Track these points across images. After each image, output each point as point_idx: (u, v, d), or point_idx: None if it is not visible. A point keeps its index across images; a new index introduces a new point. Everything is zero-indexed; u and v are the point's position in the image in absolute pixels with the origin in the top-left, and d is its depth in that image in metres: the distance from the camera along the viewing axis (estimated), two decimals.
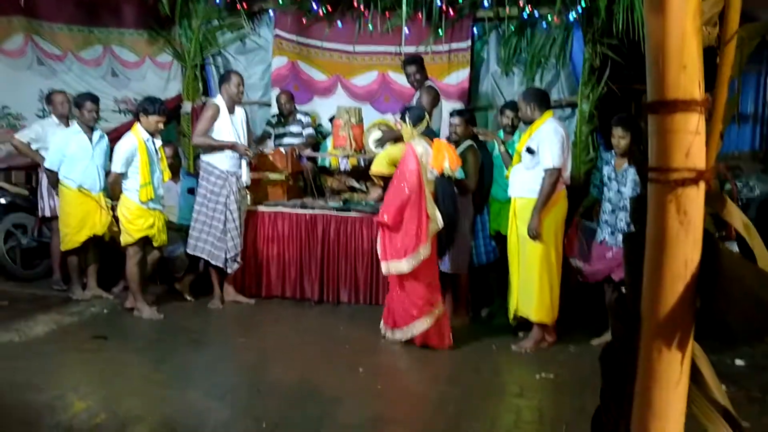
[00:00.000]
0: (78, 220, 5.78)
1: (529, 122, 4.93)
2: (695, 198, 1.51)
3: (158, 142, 5.61)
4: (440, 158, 4.85)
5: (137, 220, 5.44)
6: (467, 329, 5.36)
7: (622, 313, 1.73)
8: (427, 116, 5.11)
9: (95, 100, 5.89)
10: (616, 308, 1.75)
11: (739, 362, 4.59)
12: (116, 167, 5.40)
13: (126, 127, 6.08)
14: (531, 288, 4.83)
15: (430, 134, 5.11)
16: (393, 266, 4.77)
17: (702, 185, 1.52)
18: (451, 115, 5.53)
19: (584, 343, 4.97)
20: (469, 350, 4.95)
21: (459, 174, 5.25)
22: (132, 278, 5.49)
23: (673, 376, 1.54)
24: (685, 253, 1.52)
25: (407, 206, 4.75)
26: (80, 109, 5.79)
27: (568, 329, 5.09)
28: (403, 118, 5.07)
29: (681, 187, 1.50)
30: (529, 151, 4.81)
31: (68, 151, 5.75)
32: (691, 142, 1.50)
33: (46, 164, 5.84)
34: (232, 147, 5.68)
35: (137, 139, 5.41)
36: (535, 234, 4.74)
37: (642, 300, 1.61)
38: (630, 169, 4.87)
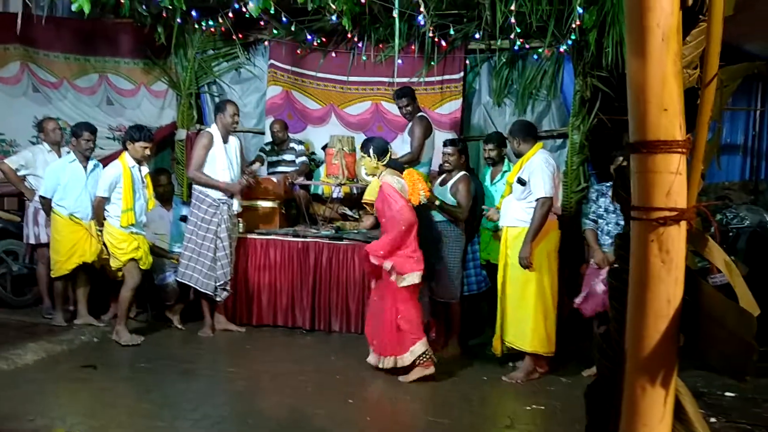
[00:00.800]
0: (68, 247, 5.78)
1: (519, 155, 4.99)
2: (677, 237, 1.54)
3: (144, 170, 5.70)
4: (416, 189, 4.97)
5: (121, 243, 5.52)
6: (458, 359, 5.35)
7: (607, 349, 1.75)
8: (390, 147, 5.18)
9: (93, 130, 5.93)
10: (601, 344, 1.77)
11: (728, 394, 4.59)
12: (100, 192, 5.52)
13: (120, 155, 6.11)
14: (525, 318, 4.84)
15: (396, 166, 5.15)
16: (409, 278, 4.78)
17: (684, 224, 1.55)
18: (444, 144, 5.57)
19: (576, 375, 4.98)
20: (459, 380, 4.94)
21: (451, 200, 5.30)
22: (123, 302, 5.51)
23: (656, 413, 1.56)
24: (667, 291, 1.54)
25: (406, 236, 4.80)
26: (77, 138, 5.83)
27: (560, 360, 5.09)
28: (366, 151, 5.06)
29: (663, 226, 1.53)
30: (520, 182, 4.86)
31: (63, 179, 5.78)
32: (672, 182, 1.53)
33: (41, 191, 5.86)
34: (225, 189, 5.73)
35: (122, 166, 5.52)
36: (526, 263, 4.76)
37: (626, 337, 1.63)
38: None
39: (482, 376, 5.02)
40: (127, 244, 5.52)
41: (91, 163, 5.95)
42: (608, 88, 6.42)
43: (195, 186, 5.87)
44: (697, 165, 1.58)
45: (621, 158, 4.98)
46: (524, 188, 4.84)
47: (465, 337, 5.71)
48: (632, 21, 1.54)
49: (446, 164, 5.49)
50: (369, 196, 5.76)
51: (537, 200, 4.78)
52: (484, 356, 5.40)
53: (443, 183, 5.53)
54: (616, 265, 1.77)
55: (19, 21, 6.02)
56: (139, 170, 5.62)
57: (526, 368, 4.93)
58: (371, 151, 5.01)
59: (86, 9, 5.37)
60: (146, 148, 5.57)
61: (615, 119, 6.47)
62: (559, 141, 7.04)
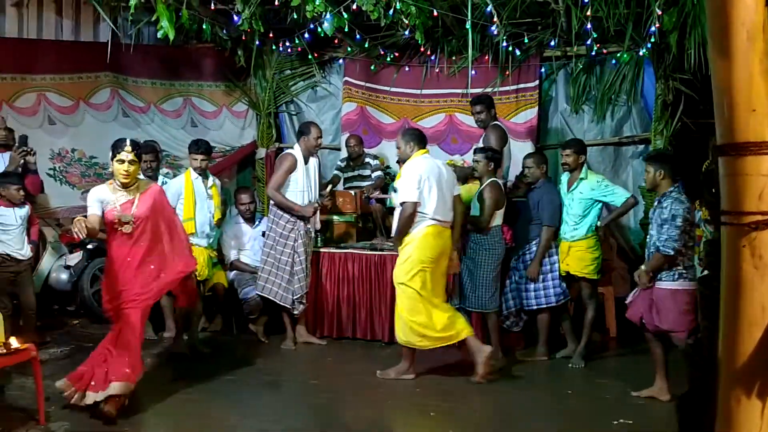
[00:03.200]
0: None
1: (404, 161, 5.12)
2: None
3: (210, 182, 5.89)
4: None
5: None
6: (535, 368, 5.25)
7: (698, 359, 1.69)
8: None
9: (152, 151, 6.13)
10: (692, 355, 1.71)
11: None
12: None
13: None
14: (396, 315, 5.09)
15: None
16: None
17: None
18: (474, 152, 5.57)
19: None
20: (536, 390, 4.84)
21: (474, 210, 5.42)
22: (178, 311, 5.68)
23: (753, 425, 1.49)
24: (761, 298, 1.48)
25: None
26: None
27: (640, 375, 4.90)
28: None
29: (755, 230, 1.47)
30: (395, 190, 5.07)
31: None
32: (764, 185, 1.47)
33: None
34: (300, 214, 5.80)
35: (185, 177, 5.82)
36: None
37: (719, 347, 1.57)
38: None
39: (567, 389, 4.90)
40: None
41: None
42: (692, 91, 6.21)
43: (272, 203, 6.02)
44: None
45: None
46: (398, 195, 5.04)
47: (551, 350, 5.61)
48: (715, 21, 1.50)
49: (475, 172, 5.54)
50: None
51: (400, 204, 4.96)
52: (562, 369, 5.27)
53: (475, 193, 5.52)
54: (706, 272, 1.71)
55: (108, 50, 6.40)
56: (203, 182, 5.83)
57: (397, 368, 5.06)
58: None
59: (171, 35, 5.64)
60: (199, 159, 5.78)
61: (700, 123, 6.24)
62: (641, 147, 6.85)
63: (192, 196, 5.77)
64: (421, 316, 4.92)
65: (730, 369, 1.52)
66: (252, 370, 5.33)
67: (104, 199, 4.11)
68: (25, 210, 5.45)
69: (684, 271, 4.34)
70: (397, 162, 6.91)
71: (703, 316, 1.67)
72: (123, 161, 4.08)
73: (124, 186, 4.16)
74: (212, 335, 6.37)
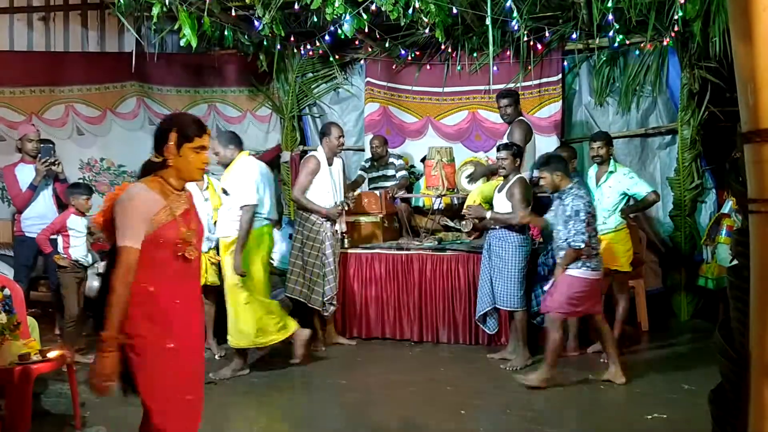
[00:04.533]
0: None
1: (224, 164, 5.14)
2: None
3: (205, 184, 5.76)
4: None
5: None
6: (567, 363, 5.20)
7: (729, 351, 1.66)
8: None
9: None
10: (723, 346, 1.68)
11: None
12: None
13: None
14: (229, 315, 5.14)
15: None
16: None
17: None
18: (498, 149, 5.44)
19: (701, 382, 4.70)
20: (568, 385, 4.81)
21: (507, 206, 5.29)
22: None
23: None
24: None
25: None
26: None
27: (683, 365, 4.84)
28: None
29: None
30: (224, 192, 5.04)
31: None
32: None
33: None
34: (326, 215, 5.83)
35: None
36: (240, 272, 4.97)
37: (750, 338, 1.54)
38: None
39: (599, 384, 4.85)
40: None
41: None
42: (718, 79, 6.11)
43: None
44: None
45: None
46: (229, 197, 5.01)
47: (581, 344, 5.56)
48: (737, 6, 1.48)
49: (501, 169, 5.37)
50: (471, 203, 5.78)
51: (241, 208, 4.93)
52: (594, 363, 5.23)
53: (501, 189, 5.39)
54: (735, 262, 1.69)
55: (133, 60, 6.50)
56: (197, 185, 5.64)
57: (232, 366, 5.13)
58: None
59: (193, 43, 5.71)
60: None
61: (728, 111, 6.13)
62: (668, 137, 6.76)
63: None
64: (258, 314, 5.06)
65: (761, 360, 1.50)
66: (282, 372, 5.36)
67: (154, 213, 2.54)
68: (88, 219, 5.57)
69: (588, 261, 4.61)
70: (421, 161, 6.92)
71: (733, 306, 1.64)
72: (204, 148, 2.69)
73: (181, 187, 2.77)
74: None
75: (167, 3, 5.29)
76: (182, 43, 5.84)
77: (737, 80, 1.52)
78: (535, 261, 5.58)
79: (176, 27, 5.84)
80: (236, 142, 5.21)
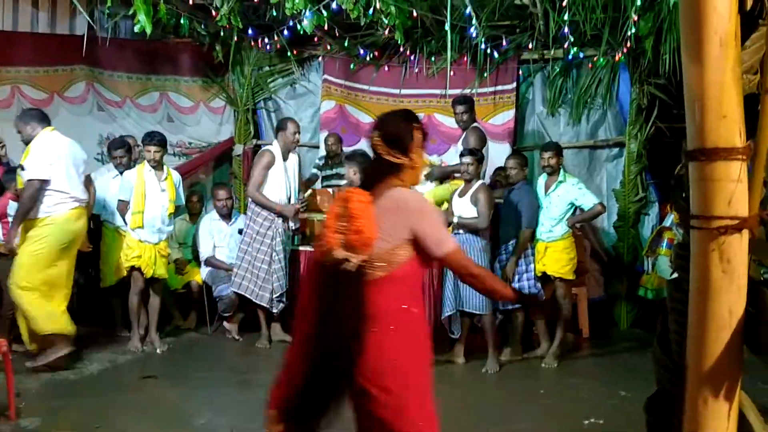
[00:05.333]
0: (114, 259, 5.92)
1: (27, 143, 4.95)
2: (738, 246, 1.51)
3: (164, 175, 5.70)
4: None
5: (126, 249, 5.63)
6: (508, 368, 5.29)
7: (667, 361, 1.71)
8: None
9: (124, 146, 6.13)
10: (661, 356, 1.73)
11: None
12: (120, 195, 5.72)
13: (180, 170, 6.33)
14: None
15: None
16: None
17: (745, 233, 1.52)
18: (462, 154, 5.49)
19: (636, 390, 4.84)
20: (509, 390, 4.88)
21: (472, 211, 5.32)
22: (129, 309, 5.69)
23: (720, 427, 1.52)
24: (729, 301, 1.51)
25: None
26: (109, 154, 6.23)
27: (619, 373, 4.97)
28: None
29: (724, 235, 1.50)
30: (21, 168, 4.90)
31: (108, 195, 5.99)
32: (733, 190, 1.50)
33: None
34: (280, 213, 5.80)
35: (137, 170, 5.67)
36: (10, 247, 4.80)
37: (687, 349, 1.59)
38: None
39: (539, 389, 4.94)
40: (129, 251, 5.60)
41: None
42: (666, 96, 6.29)
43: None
44: (758, 172, 1.55)
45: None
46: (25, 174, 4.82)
47: (524, 350, 5.65)
48: (688, 28, 1.52)
49: (465, 174, 5.40)
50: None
51: (27, 182, 4.78)
52: (535, 369, 5.32)
53: (462, 194, 5.45)
54: (675, 275, 1.74)
55: (84, 43, 6.31)
56: (156, 175, 5.65)
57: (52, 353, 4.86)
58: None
59: (148, 30, 5.58)
60: (152, 151, 5.59)
61: (674, 127, 6.33)
62: (615, 150, 6.93)
63: (143, 189, 5.57)
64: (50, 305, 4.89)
65: (697, 371, 1.55)
66: (225, 368, 5.30)
67: None
68: None
69: None
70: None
71: (672, 318, 1.70)
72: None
73: None
74: (186, 333, 6.33)
75: None
76: (136, 29, 5.70)
77: (685, 99, 1.57)
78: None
79: (131, 12, 5.70)
80: (38, 119, 5.02)
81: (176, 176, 5.91)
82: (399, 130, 2.30)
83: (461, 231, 5.35)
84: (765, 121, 1.53)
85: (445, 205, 5.70)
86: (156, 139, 5.66)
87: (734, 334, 1.50)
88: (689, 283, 1.59)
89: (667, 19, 5.67)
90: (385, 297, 2.15)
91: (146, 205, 5.59)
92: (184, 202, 6.12)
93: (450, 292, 5.37)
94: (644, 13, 5.80)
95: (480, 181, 5.41)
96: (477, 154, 5.46)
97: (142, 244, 5.60)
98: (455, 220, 5.33)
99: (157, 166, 5.68)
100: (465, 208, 5.37)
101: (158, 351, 5.66)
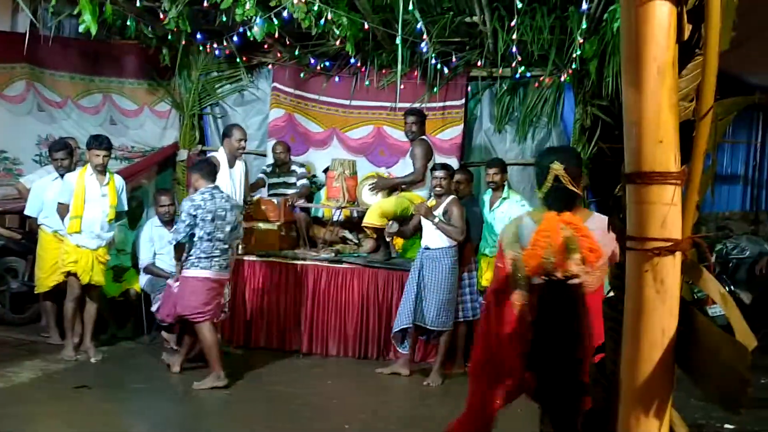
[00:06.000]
0: (50, 264, 5.74)
1: None
2: (671, 267, 1.55)
3: (106, 179, 5.56)
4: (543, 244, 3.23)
5: (63, 255, 5.49)
6: (452, 380, 5.32)
7: (601, 379, 1.75)
8: (557, 168, 4.57)
9: (66, 148, 5.93)
10: (595, 374, 1.77)
11: (728, 426, 4.56)
12: (60, 198, 5.53)
13: (122, 174, 6.16)
14: None
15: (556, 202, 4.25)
16: None
17: (678, 255, 1.56)
18: (435, 168, 5.54)
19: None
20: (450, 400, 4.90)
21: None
22: (65, 315, 5.54)
23: None
24: (662, 321, 1.55)
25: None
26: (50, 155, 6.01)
27: None
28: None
29: (657, 256, 1.54)
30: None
31: (47, 197, 5.80)
32: (667, 213, 1.54)
33: (26, 211, 5.99)
34: None
35: (79, 173, 5.51)
36: None
37: (621, 367, 1.63)
38: None
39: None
40: (66, 256, 5.46)
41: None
42: (608, 117, 6.47)
43: None
44: (692, 196, 1.60)
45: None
46: None
47: (465, 362, 5.68)
48: (629, 54, 1.57)
49: (438, 188, 5.43)
50: (369, 219, 5.79)
51: None
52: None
53: (433, 208, 5.49)
54: (612, 295, 1.78)
55: (26, 41, 6.10)
56: (98, 179, 5.51)
57: None
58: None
59: (93, 30, 5.44)
60: (99, 156, 5.46)
61: (615, 148, 6.51)
62: None
63: (82, 193, 5.43)
64: None
65: (630, 389, 1.58)
66: (162, 380, 5.17)
67: None
68: None
69: (196, 261, 5.01)
70: (323, 172, 6.91)
71: (607, 336, 1.73)
72: None
73: None
74: (122, 342, 6.16)
75: None
76: (81, 29, 5.55)
77: (624, 122, 1.61)
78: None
79: (76, 12, 5.54)
80: None
81: (119, 181, 5.76)
82: (577, 167, 2.85)
83: (431, 246, 5.36)
84: (699, 148, 1.58)
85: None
86: (104, 143, 5.52)
87: (666, 352, 1.54)
88: (624, 302, 1.63)
89: (611, 43, 5.85)
90: (590, 312, 2.44)
91: (85, 210, 5.44)
92: (126, 208, 5.94)
93: (410, 305, 5.34)
94: (589, 36, 5.97)
95: (451, 196, 5.44)
96: (450, 169, 5.52)
97: (79, 250, 5.44)
98: (435, 220, 5.28)
99: (102, 170, 5.54)
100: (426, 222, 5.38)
101: (93, 360, 5.48)
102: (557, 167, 2.75)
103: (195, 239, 5.01)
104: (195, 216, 4.99)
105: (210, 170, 5.25)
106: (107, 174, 5.61)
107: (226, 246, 5.19)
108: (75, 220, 5.41)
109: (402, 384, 5.39)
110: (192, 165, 5.43)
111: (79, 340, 5.59)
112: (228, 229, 5.16)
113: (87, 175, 5.49)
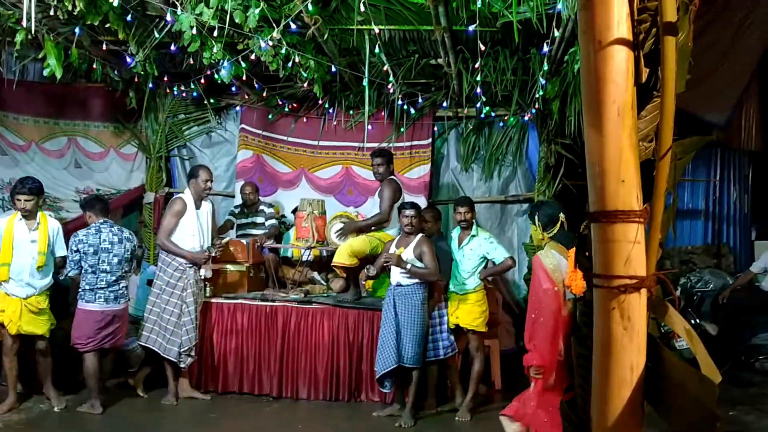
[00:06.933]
0: None
1: None
2: (638, 304, 1.58)
3: (35, 224, 5.30)
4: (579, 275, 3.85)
5: None
6: (425, 422, 5.27)
7: (572, 415, 1.75)
8: (562, 217, 4.69)
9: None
10: (566, 411, 1.77)
11: None
12: None
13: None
14: None
15: (565, 240, 4.50)
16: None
17: (644, 292, 1.59)
18: (405, 207, 5.55)
19: None
20: None
21: (416, 264, 5.31)
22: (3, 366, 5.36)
23: None
24: (630, 358, 1.57)
25: (538, 326, 4.40)
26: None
27: None
28: (532, 218, 4.90)
29: (623, 293, 1.57)
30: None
31: None
32: (631, 251, 1.58)
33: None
34: (191, 260, 5.66)
35: (7, 219, 5.29)
36: None
37: (591, 403, 1.64)
38: None
39: None
40: None
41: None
42: (572, 155, 6.61)
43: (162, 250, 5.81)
44: (655, 234, 1.64)
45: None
46: None
47: (438, 402, 5.63)
48: (589, 97, 1.62)
49: (407, 227, 5.44)
50: (339, 258, 5.77)
51: None
52: (449, 422, 5.33)
53: (401, 246, 5.46)
54: (581, 331, 1.80)
55: None
56: (26, 224, 5.28)
57: None
58: (537, 218, 4.79)
59: (58, 74, 5.41)
60: (23, 200, 5.21)
61: (579, 185, 6.64)
62: (525, 205, 7.19)
63: (10, 239, 5.20)
64: None
65: (601, 425, 1.59)
66: (129, 426, 5.02)
67: None
68: None
69: (82, 293, 5.30)
70: (292, 212, 6.91)
71: (577, 373, 1.75)
72: None
73: None
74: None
75: (33, 31, 4.97)
76: (45, 73, 5.52)
77: (587, 162, 1.65)
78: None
79: (41, 56, 5.51)
80: None
81: (53, 226, 5.48)
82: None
83: (403, 283, 5.34)
84: (660, 186, 1.63)
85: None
86: (27, 186, 5.24)
87: (635, 389, 1.55)
88: (592, 339, 1.65)
89: (572, 84, 6.00)
90: None
91: (14, 257, 5.21)
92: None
93: (392, 344, 5.28)
94: (551, 77, 6.12)
95: (420, 235, 5.45)
96: (418, 207, 5.55)
97: (8, 298, 5.20)
98: (408, 266, 5.26)
99: (29, 215, 5.29)
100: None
101: (56, 409, 5.30)
102: (563, 217, 4.22)
103: (82, 272, 5.32)
104: (78, 251, 5.30)
105: (102, 207, 5.55)
106: (37, 218, 5.36)
107: (114, 278, 5.39)
108: (3, 267, 5.18)
109: (372, 426, 5.30)
110: (85, 202, 5.65)
111: (21, 394, 5.40)
112: (115, 261, 5.39)
113: (16, 221, 5.26)
